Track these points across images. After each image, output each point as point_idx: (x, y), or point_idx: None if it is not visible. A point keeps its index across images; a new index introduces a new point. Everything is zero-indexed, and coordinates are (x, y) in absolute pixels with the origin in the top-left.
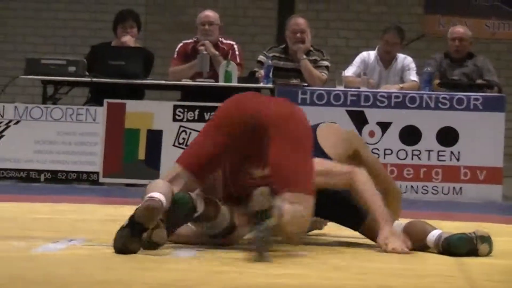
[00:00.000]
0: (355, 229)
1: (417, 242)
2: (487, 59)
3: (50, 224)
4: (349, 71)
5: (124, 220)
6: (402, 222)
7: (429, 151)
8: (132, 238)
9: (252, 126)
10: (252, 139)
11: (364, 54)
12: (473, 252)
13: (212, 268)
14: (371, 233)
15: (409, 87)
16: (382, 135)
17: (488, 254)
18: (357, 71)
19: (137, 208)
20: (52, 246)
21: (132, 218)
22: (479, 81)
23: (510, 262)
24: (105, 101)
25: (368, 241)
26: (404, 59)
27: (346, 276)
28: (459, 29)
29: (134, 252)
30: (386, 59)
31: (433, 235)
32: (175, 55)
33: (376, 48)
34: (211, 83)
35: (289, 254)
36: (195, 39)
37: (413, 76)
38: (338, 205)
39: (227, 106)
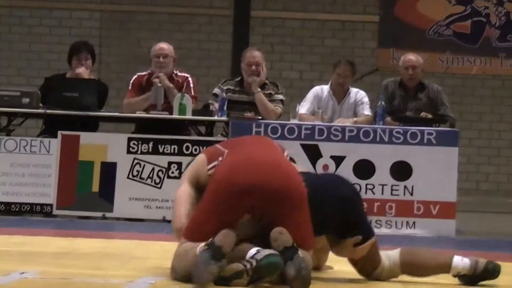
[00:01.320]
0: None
1: (431, 271)
2: (440, 90)
3: (2, 257)
4: (303, 108)
5: (76, 253)
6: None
7: (382, 185)
8: (212, 261)
9: (261, 202)
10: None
11: (317, 89)
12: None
13: None
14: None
15: (363, 121)
16: (336, 168)
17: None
18: (311, 107)
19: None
20: (2, 279)
21: (211, 243)
22: (428, 116)
23: None
24: (59, 132)
25: (323, 275)
26: (356, 93)
27: None
28: (411, 57)
29: (211, 275)
30: (339, 93)
31: (461, 259)
32: (130, 87)
33: (329, 83)
34: (165, 115)
35: None
36: (150, 71)
37: (367, 110)
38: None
39: (230, 178)
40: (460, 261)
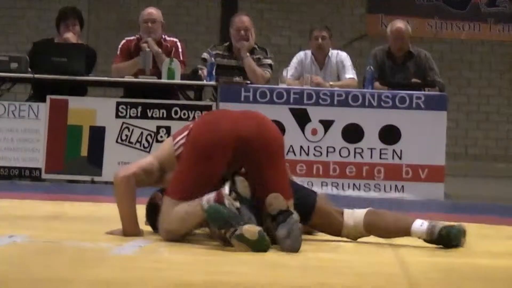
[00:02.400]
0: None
1: (392, 233)
2: (428, 56)
3: None
4: (288, 74)
5: (65, 217)
6: (356, 211)
7: (371, 149)
8: (251, 213)
9: (239, 152)
10: (238, 161)
11: (300, 54)
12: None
13: (152, 265)
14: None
15: (347, 84)
16: (325, 133)
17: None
18: (295, 73)
19: (233, 187)
20: None
21: (239, 197)
22: (416, 80)
23: (450, 260)
24: (48, 97)
25: (312, 237)
26: (337, 55)
27: (286, 273)
28: (399, 25)
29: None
30: (320, 58)
31: (420, 224)
32: (118, 52)
33: (311, 50)
34: (154, 80)
35: (230, 252)
36: (138, 36)
37: (349, 73)
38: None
39: (204, 131)
40: (419, 227)
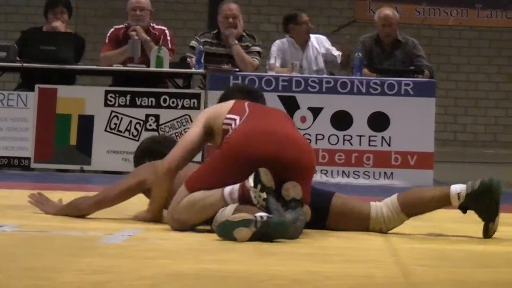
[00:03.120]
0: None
1: (431, 203)
2: (416, 43)
3: None
4: (275, 63)
5: None
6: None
7: (360, 136)
8: (278, 203)
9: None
10: None
11: (277, 43)
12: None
13: (143, 254)
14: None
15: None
16: (314, 120)
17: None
18: (279, 61)
19: (257, 178)
20: None
21: (264, 188)
22: (409, 68)
23: (440, 246)
24: (36, 86)
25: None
26: (317, 39)
27: (276, 261)
28: (387, 13)
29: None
30: (302, 42)
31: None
32: (107, 40)
33: (286, 37)
34: (142, 68)
35: (221, 241)
36: (126, 24)
37: (335, 51)
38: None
39: (244, 146)
40: (457, 186)
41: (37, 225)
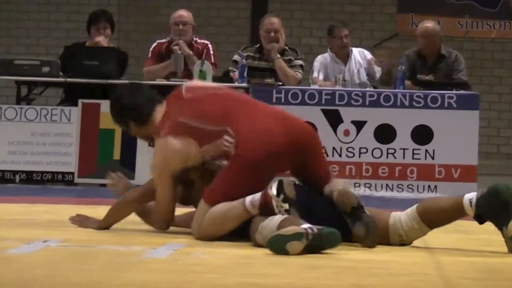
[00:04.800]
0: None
1: (448, 212)
2: (458, 57)
3: (25, 225)
4: (319, 77)
5: None
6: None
7: (404, 149)
8: (298, 215)
9: (293, 155)
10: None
11: (320, 58)
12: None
13: (187, 268)
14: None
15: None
16: (357, 133)
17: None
18: (321, 76)
19: (281, 189)
20: (26, 247)
21: (287, 199)
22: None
23: (486, 259)
24: (80, 101)
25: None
26: (360, 52)
27: (322, 275)
28: (428, 25)
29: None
30: (343, 56)
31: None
32: (150, 55)
33: (328, 50)
34: (185, 83)
35: (266, 253)
36: (169, 38)
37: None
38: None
39: (257, 143)
40: (469, 194)
41: (81, 240)
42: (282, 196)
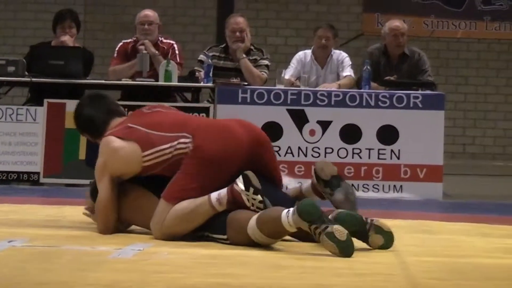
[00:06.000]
0: None
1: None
2: (421, 56)
3: None
4: (288, 74)
5: (64, 221)
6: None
7: (369, 149)
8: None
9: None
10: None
11: (300, 54)
12: (362, 236)
13: (153, 268)
14: None
15: (345, 83)
16: (323, 133)
17: (381, 247)
18: (295, 72)
19: (248, 182)
20: None
21: (257, 191)
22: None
23: (450, 259)
24: (45, 101)
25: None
26: (339, 55)
27: (286, 275)
28: (398, 24)
29: None
30: (322, 57)
31: (286, 214)
32: (115, 55)
33: (311, 49)
34: (151, 82)
35: (229, 253)
36: (135, 38)
37: (347, 71)
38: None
39: (217, 140)
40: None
41: (47, 240)
42: (252, 189)
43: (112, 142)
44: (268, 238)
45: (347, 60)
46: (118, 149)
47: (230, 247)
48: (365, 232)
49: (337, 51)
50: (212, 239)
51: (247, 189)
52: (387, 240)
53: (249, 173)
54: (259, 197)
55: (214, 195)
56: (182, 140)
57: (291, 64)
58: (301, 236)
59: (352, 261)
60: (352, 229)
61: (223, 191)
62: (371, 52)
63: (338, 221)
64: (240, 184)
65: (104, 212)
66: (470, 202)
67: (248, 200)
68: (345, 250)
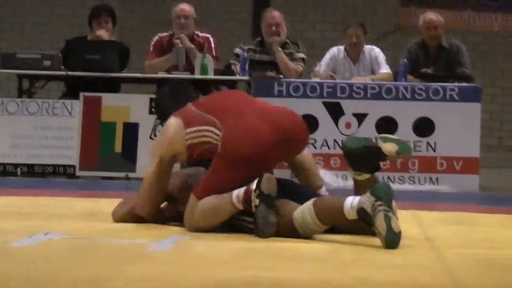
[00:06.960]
0: None
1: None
2: (460, 48)
3: (26, 218)
4: (320, 70)
5: (100, 214)
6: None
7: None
8: (270, 211)
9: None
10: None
11: (333, 50)
12: (374, 150)
13: (189, 262)
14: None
15: (382, 78)
16: (359, 126)
17: (396, 153)
18: (327, 68)
19: (258, 184)
20: (28, 240)
21: (261, 195)
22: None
23: (488, 251)
24: (81, 94)
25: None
26: (371, 51)
27: (327, 268)
28: (432, 17)
29: (275, 226)
30: (354, 54)
31: (352, 199)
32: (151, 49)
33: (344, 46)
34: (187, 75)
35: (265, 246)
36: (171, 32)
37: (384, 68)
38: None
39: (245, 140)
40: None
41: (83, 233)
42: (257, 192)
43: (168, 120)
44: (321, 225)
45: (382, 56)
46: (169, 125)
47: (266, 240)
48: (375, 146)
49: (369, 46)
50: (246, 223)
51: (255, 190)
52: (399, 143)
53: (266, 176)
54: (257, 201)
55: (235, 193)
56: (213, 129)
57: (324, 59)
58: (343, 228)
59: (390, 253)
60: (360, 146)
61: (243, 189)
62: (409, 47)
63: (344, 146)
64: (254, 183)
65: (148, 190)
66: (506, 195)
67: (252, 201)
68: (391, 241)
